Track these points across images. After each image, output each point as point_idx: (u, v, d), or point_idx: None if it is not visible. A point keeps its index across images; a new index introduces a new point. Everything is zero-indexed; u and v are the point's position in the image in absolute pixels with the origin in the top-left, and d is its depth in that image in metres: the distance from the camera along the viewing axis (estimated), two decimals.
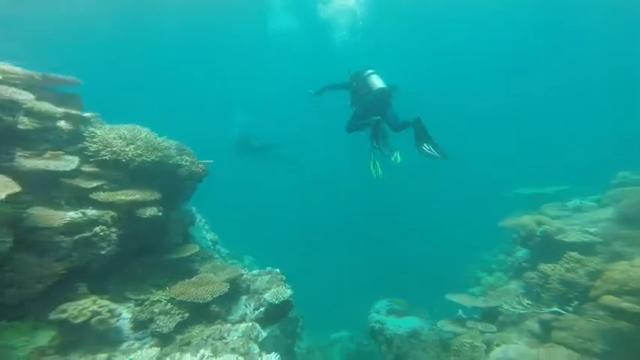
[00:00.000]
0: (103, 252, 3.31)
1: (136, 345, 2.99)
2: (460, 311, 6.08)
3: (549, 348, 4.63)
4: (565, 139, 22.02)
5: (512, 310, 5.30)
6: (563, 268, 5.18)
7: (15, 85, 3.34)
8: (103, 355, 2.69)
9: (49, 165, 3.14)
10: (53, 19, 14.78)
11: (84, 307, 2.72)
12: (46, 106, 3.52)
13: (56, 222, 2.79)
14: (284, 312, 4.67)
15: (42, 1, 14.02)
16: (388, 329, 6.18)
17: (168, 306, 3.60)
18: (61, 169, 3.21)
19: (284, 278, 4.88)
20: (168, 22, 16.72)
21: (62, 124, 3.79)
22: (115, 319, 2.91)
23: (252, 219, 18.59)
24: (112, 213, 3.63)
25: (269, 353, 3.33)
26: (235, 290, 4.53)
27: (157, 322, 3.27)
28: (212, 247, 6.10)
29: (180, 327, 3.53)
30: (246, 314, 4.14)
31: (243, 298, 4.51)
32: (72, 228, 3.04)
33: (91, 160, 3.87)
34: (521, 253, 6.97)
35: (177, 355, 2.75)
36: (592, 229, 5.85)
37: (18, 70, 3.64)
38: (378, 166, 5.56)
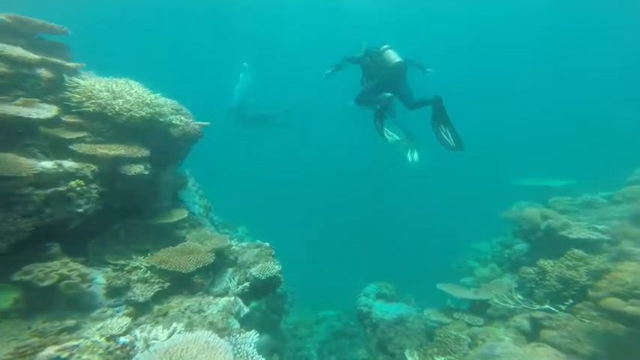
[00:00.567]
0: (81, 210, 3.06)
1: (109, 312, 2.80)
2: (449, 301, 5.96)
3: (536, 347, 4.50)
4: (576, 132, 21.46)
5: (502, 304, 5.13)
6: (563, 265, 4.95)
7: None
8: (71, 322, 2.50)
9: (20, 111, 2.84)
10: None
11: (52, 269, 2.50)
12: (18, 51, 3.17)
13: (25, 171, 2.51)
14: (270, 288, 4.49)
15: None
16: (375, 313, 6.09)
17: (148, 274, 3.41)
18: (34, 117, 2.90)
19: (274, 253, 4.67)
20: None
21: (42, 72, 3.45)
22: (87, 284, 2.71)
23: (250, 189, 18.45)
24: (94, 167, 3.36)
25: (250, 330, 3.16)
26: (222, 262, 4.33)
27: (134, 290, 3.09)
28: (204, 214, 5.89)
29: (160, 297, 3.35)
30: (229, 288, 3.96)
31: (230, 270, 4.32)
32: (45, 180, 2.77)
33: (74, 111, 3.56)
34: (521, 246, 6.76)
35: (148, 327, 2.57)
36: (601, 226, 5.61)
37: None
38: (390, 133, 5.40)
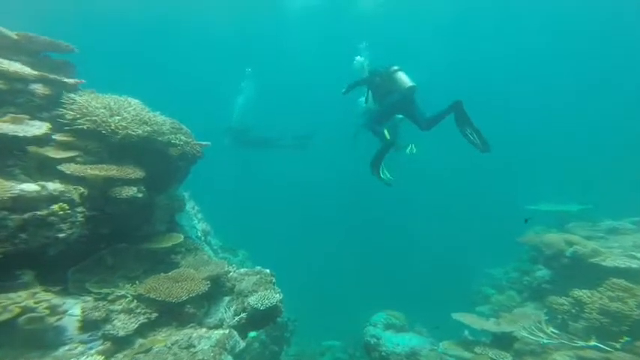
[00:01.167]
0: (62, 235, 2.83)
1: (79, 349, 2.49)
2: (466, 332, 5.50)
3: None
4: (586, 156, 20.98)
5: (533, 338, 4.66)
6: (605, 297, 4.53)
7: None
8: None
9: (4, 129, 2.68)
10: None
11: (14, 301, 2.24)
12: (15, 66, 3.08)
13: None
14: (270, 319, 4.14)
15: None
16: (384, 345, 5.64)
17: (134, 303, 3.13)
18: (21, 135, 2.74)
19: (274, 280, 4.36)
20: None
21: (37, 88, 3.35)
22: (57, 317, 2.43)
23: (252, 211, 18.19)
24: (82, 190, 3.17)
25: None
26: (218, 290, 4.04)
27: (114, 322, 2.80)
28: (202, 238, 5.63)
29: (145, 329, 3.06)
30: (224, 319, 3.64)
31: (226, 299, 4.01)
32: (22, 204, 2.56)
33: (67, 129, 3.42)
34: (542, 273, 6.36)
35: None
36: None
37: None
38: (387, 173, 5.34)
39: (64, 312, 2.54)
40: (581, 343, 4.36)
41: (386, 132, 5.35)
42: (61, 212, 2.77)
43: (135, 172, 3.64)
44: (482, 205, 18.90)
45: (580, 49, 19.15)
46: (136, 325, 2.87)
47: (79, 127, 3.44)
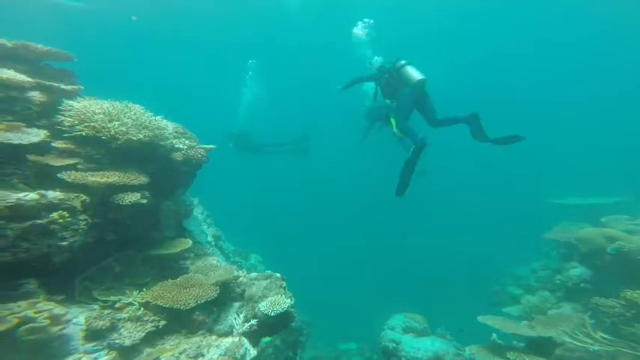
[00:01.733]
0: (65, 243, 2.76)
1: None
2: (494, 336, 5.12)
3: None
4: (612, 147, 20.05)
5: (578, 344, 4.26)
6: None
7: None
8: None
9: None
10: None
11: (12, 311, 2.16)
12: (9, 74, 3.04)
13: None
14: (282, 325, 3.98)
15: None
16: (404, 351, 5.37)
17: (141, 311, 3.03)
18: (16, 142, 2.69)
19: (285, 285, 4.20)
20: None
21: (34, 95, 3.31)
22: (60, 326, 2.35)
23: (264, 214, 18.11)
24: (84, 197, 3.11)
25: None
26: (227, 295, 3.92)
27: (120, 331, 2.70)
28: (212, 243, 5.54)
29: (153, 338, 2.95)
30: (234, 326, 3.51)
31: (236, 305, 3.88)
32: (22, 212, 2.50)
33: (65, 135, 3.37)
34: (578, 271, 5.94)
35: None
36: None
37: None
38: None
39: (68, 321, 2.46)
40: None
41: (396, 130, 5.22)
42: (62, 220, 2.69)
43: (138, 178, 3.57)
44: (503, 202, 18.29)
45: (603, 36, 18.34)
46: (143, 334, 2.77)
47: (78, 133, 3.39)
